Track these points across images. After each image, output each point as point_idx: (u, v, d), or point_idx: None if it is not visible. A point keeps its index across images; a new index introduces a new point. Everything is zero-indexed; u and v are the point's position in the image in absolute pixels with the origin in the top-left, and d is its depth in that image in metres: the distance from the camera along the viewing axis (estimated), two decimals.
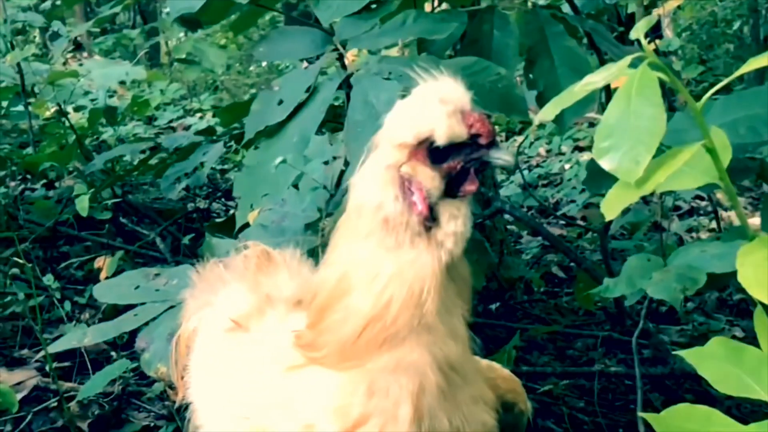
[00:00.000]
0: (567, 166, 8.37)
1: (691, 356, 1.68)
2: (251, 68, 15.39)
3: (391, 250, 1.65)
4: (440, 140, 1.64)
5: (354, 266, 1.68)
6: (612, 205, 1.58)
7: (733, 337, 4.59)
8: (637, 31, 1.62)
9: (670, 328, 4.76)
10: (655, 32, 10.84)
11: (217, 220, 5.06)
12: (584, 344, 4.54)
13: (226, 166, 7.50)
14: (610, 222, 4.32)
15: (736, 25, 14.12)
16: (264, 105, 3.26)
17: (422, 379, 1.64)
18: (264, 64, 14.71)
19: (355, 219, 1.70)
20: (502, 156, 1.68)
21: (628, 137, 1.51)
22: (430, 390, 1.65)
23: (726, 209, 6.90)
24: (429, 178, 1.66)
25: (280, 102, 3.18)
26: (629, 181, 1.48)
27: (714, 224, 6.24)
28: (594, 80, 1.61)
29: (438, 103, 1.66)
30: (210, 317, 2.20)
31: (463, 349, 1.72)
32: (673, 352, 4.06)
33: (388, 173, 1.68)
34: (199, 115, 10.17)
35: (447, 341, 1.68)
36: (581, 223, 6.59)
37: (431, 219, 1.66)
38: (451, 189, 1.69)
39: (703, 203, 7.03)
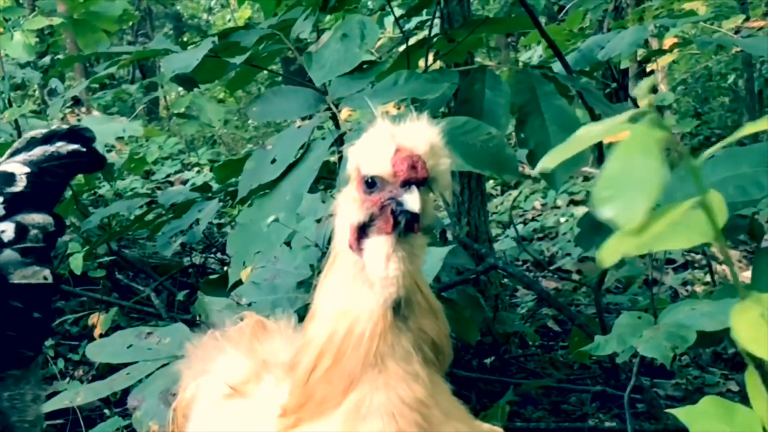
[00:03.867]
0: (562, 220, 8.40)
1: (683, 415, 1.69)
2: (249, 122, 15.46)
3: (344, 285, 1.68)
4: (364, 170, 1.65)
5: (318, 300, 1.72)
6: (610, 253, 1.59)
7: (728, 390, 4.61)
8: (640, 90, 1.64)
9: (665, 382, 4.76)
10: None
11: (212, 276, 5.07)
12: (578, 399, 4.54)
13: (222, 221, 7.53)
14: (604, 276, 4.34)
15: (731, 78, 14.23)
16: (257, 163, 3.30)
17: (398, 419, 1.64)
18: None
19: (332, 255, 1.74)
20: (409, 200, 1.61)
21: (628, 188, 1.53)
22: (408, 429, 1.65)
23: (720, 263, 6.93)
24: (354, 205, 1.67)
25: (274, 161, 3.22)
26: (627, 227, 1.50)
27: (709, 277, 6.26)
28: (593, 132, 1.63)
29: (377, 137, 1.66)
30: (207, 385, 2.19)
31: (430, 390, 1.70)
32: (675, 403, 4.06)
33: (342, 203, 1.71)
34: (196, 169, 10.21)
35: (409, 383, 1.67)
36: (576, 276, 6.60)
37: (359, 252, 1.66)
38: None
39: (698, 257, 7.04)
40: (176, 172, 10.07)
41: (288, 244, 3.17)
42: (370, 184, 1.65)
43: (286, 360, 2.10)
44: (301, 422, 1.72)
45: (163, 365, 2.82)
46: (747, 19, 7.78)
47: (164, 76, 3.75)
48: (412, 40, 4.35)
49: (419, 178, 1.62)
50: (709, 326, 2.59)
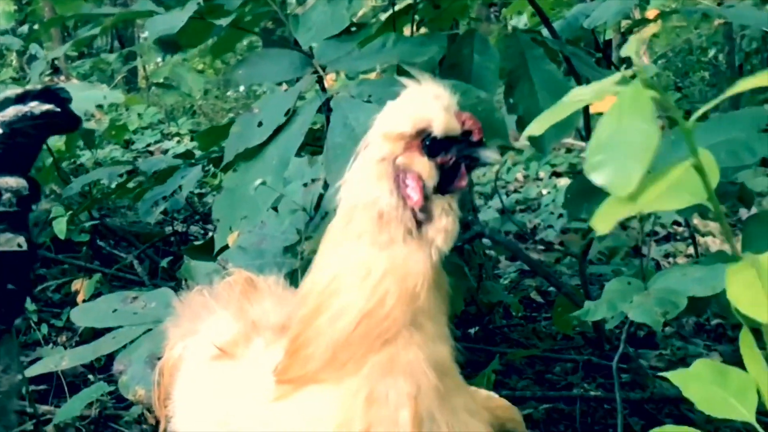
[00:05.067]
0: (544, 192, 8.38)
1: (676, 378, 1.68)
2: (228, 93, 15.38)
3: (384, 247, 1.67)
4: (437, 131, 1.68)
5: (346, 265, 1.69)
6: (604, 220, 1.57)
7: None
8: (629, 48, 1.62)
9: (649, 353, 4.75)
10: (630, 60, 10.88)
11: (196, 243, 5.03)
12: (563, 368, 4.53)
13: (203, 190, 7.48)
14: (589, 247, 4.32)
15: (712, 52, 14.24)
16: (243, 127, 3.25)
17: (419, 381, 1.65)
18: (241, 89, 14.72)
19: (347, 219, 1.71)
20: (492, 154, 1.72)
21: (621, 152, 1.50)
22: (427, 392, 1.65)
23: (702, 235, 6.93)
24: (426, 169, 1.69)
25: (260, 124, 3.17)
26: (621, 195, 1.48)
27: (691, 250, 6.28)
28: (583, 95, 1.61)
29: (433, 99, 1.70)
30: (195, 345, 2.16)
31: (452, 354, 1.73)
32: (658, 374, 4.05)
33: (382, 166, 1.70)
34: (176, 139, 10.14)
35: (436, 344, 1.69)
36: (559, 248, 6.59)
37: (424, 212, 1.68)
38: (441, 185, 1.71)
39: (680, 229, 7.05)
40: (156, 142, 10.00)
41: (275, 208, 3.13)
42: (435, 145, 1.69)
43: (277, 322, 2.07)
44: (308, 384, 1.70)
45: (149, 330, 2.79)
46: None
47: (143, 46, 3.69)
48: (396, 7, 4.29)
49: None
50: (700, 292, 2.56)
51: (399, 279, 1.65)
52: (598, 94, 1.60)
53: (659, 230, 7.14)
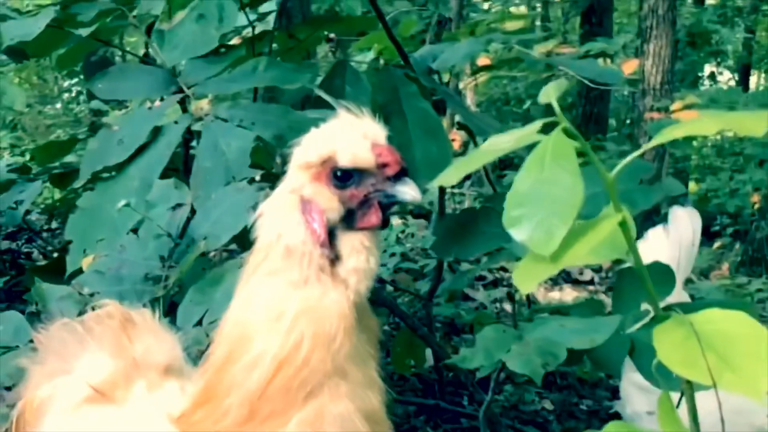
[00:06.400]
0: None
1: None
2: (46, 108, 15.01)
3: (296, 287, 1.54)
4: (342, 161, 1.57)
5: (256, 307, 1.56)
6: (526, 279, 1.47)
7: (543, 409, 4.62)
8: (547, 95, 1.54)
9: (483, 397, 4.73)
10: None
11: (40, 263, 4.75)
12: (405, 411, 4.45)
13: (31, 207, 7.13)
14: (436, 287, 4.28)
15: (527, 104, 14.61)
16: (102, 144, 3.10)
17: None
18: (58, 105, 14.41)
19: (262, 255, 1.59)
20: (408, 191, 1.59)
21: (542, 207, 1.42)
22: None
23: None
24: (327, 200, 1.58)
25: (120, 142, 3.01)
26: (543, 254, 1.38)
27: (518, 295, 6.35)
28: (502, 143, 1.52)
29: (347, 127, 1.60)
30: (67, 385, 1.92)
31: (382, 401, 1.62)
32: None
33: (291, 197, 1.60)
34: None
35: (366, 392, 1.58)
36: (390, 287, 6.55)
37: (330, 248, 1.57)
38: (354, 220, 1.61)
39: (507, 274, 7.10)
40: None
41: (135, 231, 2.95)
42: (344, 177, 1.58)
43: (161, 362, 1.90)
44: None
45: None
46: (557, 45, 7.92)
47: None
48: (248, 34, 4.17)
49: (405, 169, 1.59)
50: (579, 344, 2.52)
51: (313, 321, 1.52)
52: (518, 141, 1.52)
53: (487, 275, 7.19)
